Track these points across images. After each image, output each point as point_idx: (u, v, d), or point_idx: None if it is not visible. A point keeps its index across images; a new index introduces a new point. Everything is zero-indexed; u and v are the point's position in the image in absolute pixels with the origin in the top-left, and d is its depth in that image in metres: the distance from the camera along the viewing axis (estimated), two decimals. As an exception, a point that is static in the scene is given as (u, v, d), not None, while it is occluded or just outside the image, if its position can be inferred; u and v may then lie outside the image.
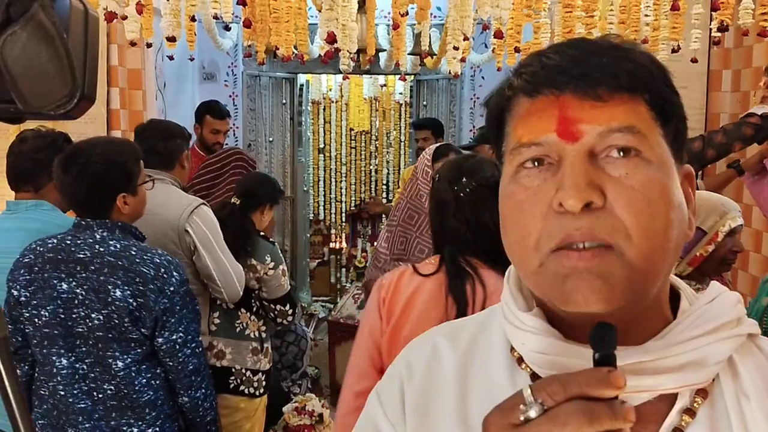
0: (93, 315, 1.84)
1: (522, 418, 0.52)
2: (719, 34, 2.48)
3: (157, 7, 2.86)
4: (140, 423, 1.90)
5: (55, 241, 1.90)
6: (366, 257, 6.69)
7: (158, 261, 1.89)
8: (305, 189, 6.28)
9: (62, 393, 1.87)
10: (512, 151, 0.65)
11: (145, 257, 1.88)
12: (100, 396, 1.87)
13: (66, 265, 1.86)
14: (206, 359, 2.07)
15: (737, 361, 0.66)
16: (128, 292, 1.83)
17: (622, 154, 0.61)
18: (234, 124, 5.03)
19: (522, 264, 0.65)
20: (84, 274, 1.85)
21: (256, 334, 2.73)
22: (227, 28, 2.99)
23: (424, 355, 0.76)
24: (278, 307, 2.74)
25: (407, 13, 2.77)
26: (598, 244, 0.59)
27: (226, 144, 4.25)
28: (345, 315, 4.38)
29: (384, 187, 6.63)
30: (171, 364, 1.93)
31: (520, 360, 0.69)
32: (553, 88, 0.62)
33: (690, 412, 0.64)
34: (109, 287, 1.83)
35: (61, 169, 1.92)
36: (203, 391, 2.00)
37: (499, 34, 2.51)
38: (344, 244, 6.80)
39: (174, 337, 1.91)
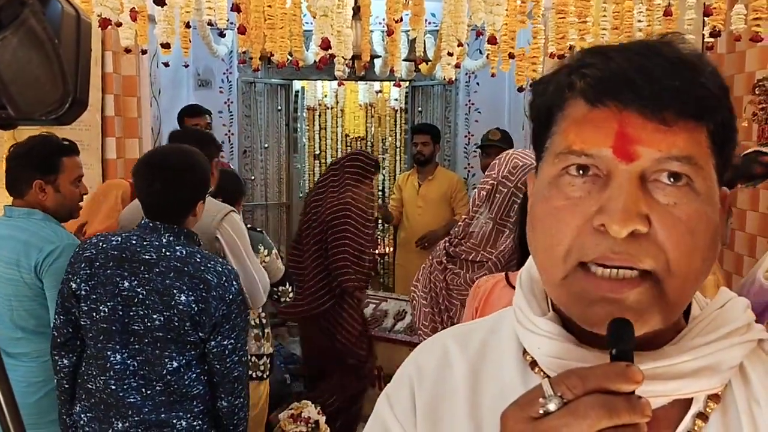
0: (154, 316, 1.89)
1: (541, 411, 0.52)
2: (712, 40, 2.49)
3: (151, 14, 2.86)
4: (188, 415, 1.96)
5: (119, 238, 1.96)
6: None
7: (220, 269, 1.95)
8: (301, 195, 6.28)
9: (113, 387, 1.92)
10: (559, 155, 0.62)
11: (209, 265, 1.94)
12: (149, 392, 1.93)
13: (130, 264, 1.91)
14: (247, 370, 2.12)
15: (748, 367, 0.66)
16: (192, 297, 1.89)
17: (672, 180, 0.59)
18: (229, 131, 5.04)
19: (545, 271, 0.64)
20: (147, 275, 1.90)
21: (257, 321, 2.83)
22: (222, 35, 2.98)
23: (435, 358, 0.76)
24: (280, 288, 2.85)
25: (402, 20, 2.77)
26: (637, 272, 0.58)
27: (223, 152, 4.26)
28: (341, 321, 4.37)
29: (380, 193, 6.63)
30: (218, 367, 1.98)
31: (533, 364, 0.69)
32: (618, 101, 0.59)
33: (703, 416, 0.64)
34: (174, 291, 1.89)
35: (141, 172, 2.00)
36: (241, 400, 2.05)
37: (492, 40, 2.52)
38: (340, 251, 6.78)
39: (225, 342, 1.96)
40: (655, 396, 0.61)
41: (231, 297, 1.95)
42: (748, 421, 0.63)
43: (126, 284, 1.90)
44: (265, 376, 2.86)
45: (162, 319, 1.89)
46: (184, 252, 1.94)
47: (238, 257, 2.50)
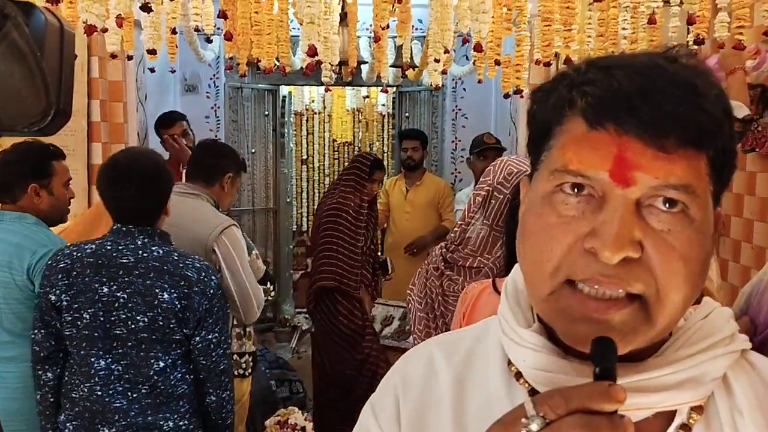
0: (138, 317, 1.91)
1: (524, 431, 0.52)
2: (696, 48, 2.52)
3: (138, 20, 2.85)
4: (175, 416, 1.98)
5: (93, 246, 1.97)
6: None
7: (198, 265, 2.00)
8: (288, 200, 6.27)
9: (99, 393, 1.93)
10: (554, 171, 0.62)
11: (187, 262, 1.98)
12: (135, 395, 1.94)
13: (107, 269, 1.93)
14: (231, 364, 2.15)
15: (731, 377, 0.66)
16: (174, 294, 1.92)
17: (668, 206, 0.59)
18: (216, 136, 5.02)
19: (532, 284, 0.64)
20: (127, 279, 1.92)
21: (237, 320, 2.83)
22: (209, 41, 2.98)
23: (420, 367, 0.76)
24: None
25: (388, 26, 2.78)
26: (624, 293, 0.58)
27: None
28: (328, 327, 4.36)
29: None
30: (204, 362, 2.01)
31: (518, 375, 0.69)
32: (617, 125, 0.58)
33: (686, 428, 0.64)
34: (156, 290, 1.92)
35: (107, 178, 2.00)
36: (228, 393, 2.09)
37: (478, 48, 2.53)
38: (327, 256, 6.77)
39: (210, 336, 2.00)
40: (638, 409, 0.62)
41: (212, 291, 1.99)
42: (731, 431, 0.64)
43: (105, 290, 1.92)
44: (246, 374, 2.90)
45: (146, 319, 1.91)
46: (161, 252, 1.97)
47: (234, 272, 2.50)
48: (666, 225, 0.58)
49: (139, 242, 1.97)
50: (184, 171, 2.82)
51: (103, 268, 1.93)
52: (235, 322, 2.80)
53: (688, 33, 2.51)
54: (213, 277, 2.02)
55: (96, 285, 1.92)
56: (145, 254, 1.95)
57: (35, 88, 0.66)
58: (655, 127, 0.57)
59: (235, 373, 2.77)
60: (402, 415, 0.73)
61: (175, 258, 1.97)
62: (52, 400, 2.01)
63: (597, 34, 2.69)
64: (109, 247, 1.96)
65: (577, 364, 0.63)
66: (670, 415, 0.65)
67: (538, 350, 0.65)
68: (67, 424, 1.97)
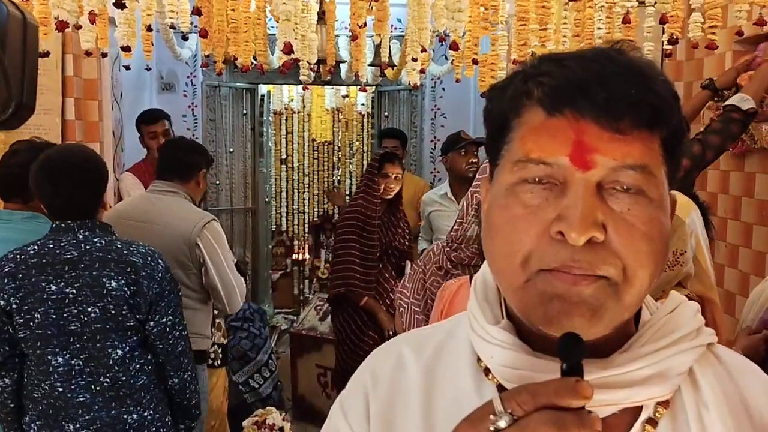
0: (89, 309, 1.93)
1: (492, 429, 0.52)
2: (670, 47, 2.54)
3: (112, 17, 2.82)
4: (139, 408, 2.00)
5: (35, 247, 1.97)
6: (329, 268, 6.67)
7: (144, 251, 2.02)
8: (267, 200, 6.24)
9: (60, 390, 1.95)
10: (517, 162, 0.63)
11: (131, 248, 2.00)
12: (98, 388, 1.96)
13: (53, 267, 1.93)
14: (189, 343, 2.18)
15: (697, 371, 0.67)
16: (123, 281, 1.94)
17: (626, 188, 0.60)
18: (193, 135, 4.97)
19: (504, 277, 0.64)
20: (74, 273, 1.93)
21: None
22: (185, 38, 2.96)
23: (389, 364, 0.76)
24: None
25: (366, 24, 2.78)
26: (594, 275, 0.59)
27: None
28: (307, 327, 4.35)
29: (347, 198, 6.63)
30: (161, 346, 2.04)
31: (486, 371, 0.69)
32: (575, 110, 0.60)
33: (653, 422, 0.65)
34: (104, 280, 1.93)
35: (44, 176, 2.00)
36: (190, 373, 2.12)
37: (455, 46, 2.54)
38: (307, 256, 6.77)
39: (164, 320, 2.03)
40: (605, 405, 0.62)
41: (160, 275, 2.02)
42: (697, 426, 0.64)
43: (53, 287, 1.92)
44: (216, 364, 2.95)
45: (97, 310, 1.93)
46: (104, 242, 1.99)
47: (217, 265, 2.60)
48: (626, 205, 0.60)
49: (81, 236, 1.98)
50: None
51: (48, 266, 1.93)
52: (216, 313, 2.86)
53: (663, 33, 2.53)
54: (160, 261, 2.04)
55: (43, 284, 1.92)
56: (88, 246, 1.96)
57: (-6, 80, 0.65)
58: (610, 110, 0.59)
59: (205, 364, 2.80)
60: (371, 412, 0.72)
61: (119, 246, 1.99)
62: (12, 405, 2.01)
63: (573, 34, 2.70)
64: (51, 246, 1.96)
65: (545, 361, 0.63)
66: (637, 409, 0.65)
67: (506, 347, 0.66)
68: (32, 425, 1.98)
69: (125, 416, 1.98)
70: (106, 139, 3.87)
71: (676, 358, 0.64)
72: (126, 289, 1.94)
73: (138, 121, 3.98)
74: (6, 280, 1.93)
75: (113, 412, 1.97)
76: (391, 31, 4.26)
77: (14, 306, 1.93)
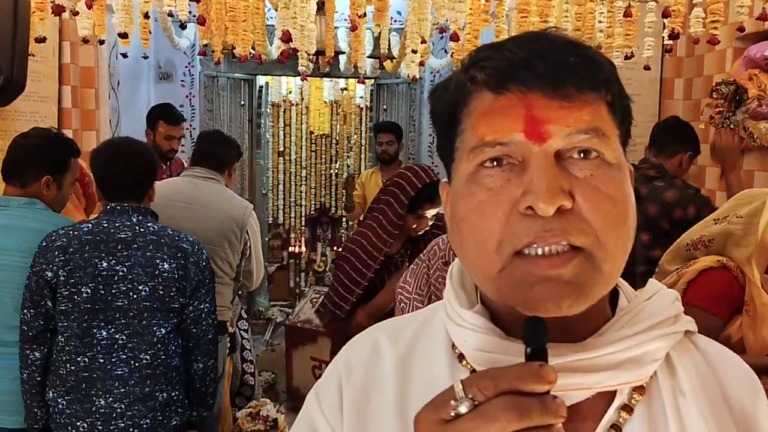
0: (140, 287, 2.05)
1: (452, 414, 0.51)
2: (671, 42, 2.53)
3: (110, 4, 2.80)
4: (169, 387, 2.11)
5: (90, 225, 2.10)
6: (326, 261, 6.65)
7: (191, 239, 2.17)
8: (264, 192, 6.22)
9: (101, 361, 2.04)
10: (473, 150, 0.62)
11: (180, 236, 2.15)
12: (137, 364, 2.06)
13: (106, 245, 2.05)
14: (217, 333, 2.31)
15: (674, 358, 0.67)
16: (174, 264, 2.08)
17: (583, 155, 0.60)
18: (191, 125, 4.95)
19: (479, 268, 0.63)
20: (126, 252, 2.06)
21: None
22: (183, 27, 2.93)
23: (364, 352, 0.75)
24: None
25: (365, 15, 2.75)
26: (568, 246, 0.58)
27: (183, 148, 4.17)
28: (302, 319, 4.35)
29: (344, 191, 6.61)
30: (194, 331, 2.15)
31: (461, 357, 0.68)
32: (521, 85, 0.60)
33: (628, 408, 0.64)
34: (157, 261, 2.07)
35: (108, 156, 2.17)
36: (213, 362, 2.23)
37: (455, 37, 2.52)
38: (303, 249, 6.75)
39: (202, 306, 2.15)
40: (578, 389, 0.62)
41: (204, 264, 2.17)
42: (673, 413, 0.64)
43: (104, 264, 2.03)
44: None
45: (147, 289, 2.05)
46: (156, 227, 2.14)
47: (256, 246, 2.94)
48: (587, 171, 0.60)
49: (135, 219, 2.11)
50: (189, 160, 3.02)
51: (102, 243, 2.05)
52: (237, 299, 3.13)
53: (664, 28, 2.52)
54: (203, 251, 2.19)
55: (96, 260, 2.03)
56: (141, 229, 2.10)
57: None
58: (555, 79, 0.60)
59: None
60: (345, 400, 0.72)
61: (170, 232, 2.14)
62: (39, 379, 2.08)
63: (574, 28, 2.69)
64: (105, 225, 2.08)
65: (518, 345, 0.62)
66: (611, 395, 0.64)
67: (479, 331, 0.65)
68: (59, 400, 2.04)
69: (157, 393, 2.07)
70: (103, 127, 3.85)
71: (651, 344, 0.64)
72: (176, 272, 2.08)
73: (156, 115, 3.77)
74: (56, 253, 2.03)
75: (147, 389, 2.05)
76: (391, 24, 4.24)
77: (62, 278, 2.03)
